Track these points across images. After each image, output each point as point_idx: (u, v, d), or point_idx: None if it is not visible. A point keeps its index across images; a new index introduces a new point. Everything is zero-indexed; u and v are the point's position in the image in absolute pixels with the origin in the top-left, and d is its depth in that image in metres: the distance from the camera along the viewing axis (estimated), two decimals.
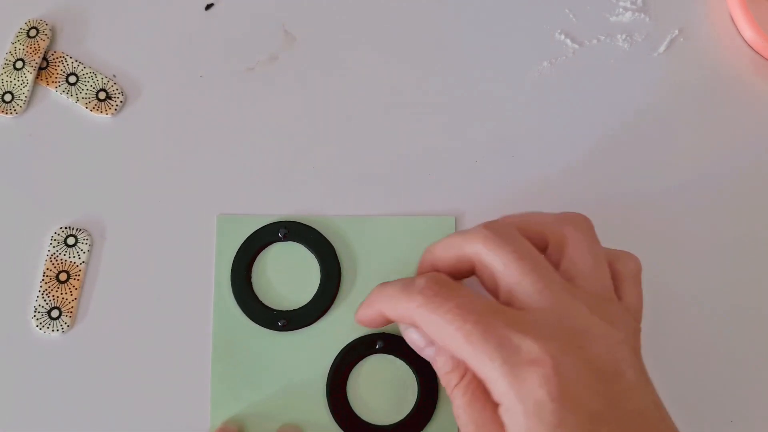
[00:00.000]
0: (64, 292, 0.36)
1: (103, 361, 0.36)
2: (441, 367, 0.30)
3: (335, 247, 0.37)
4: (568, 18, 0.41)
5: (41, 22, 0.40)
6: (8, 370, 0.36)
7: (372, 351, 0.36)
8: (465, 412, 0.29)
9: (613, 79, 0.40)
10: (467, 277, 0.31)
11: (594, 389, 0.26)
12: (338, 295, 0.37)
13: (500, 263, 0.29)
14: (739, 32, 0.41)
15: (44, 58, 0.39)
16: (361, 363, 0.36)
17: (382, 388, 0.36)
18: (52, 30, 0.40)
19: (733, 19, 0.41)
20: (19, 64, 0.39)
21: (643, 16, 0.41)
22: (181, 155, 0.38)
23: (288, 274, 0.37)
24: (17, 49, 0.39)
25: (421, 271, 0.32)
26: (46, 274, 0.36)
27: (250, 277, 0.37)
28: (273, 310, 0.36)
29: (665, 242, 0.38)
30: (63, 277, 0.36)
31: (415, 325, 0.30)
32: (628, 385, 0.27)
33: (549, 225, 0.31)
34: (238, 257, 0.37)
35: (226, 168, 0.38)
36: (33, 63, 0.39)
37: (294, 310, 0.36)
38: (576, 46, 0.41)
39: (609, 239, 0.32)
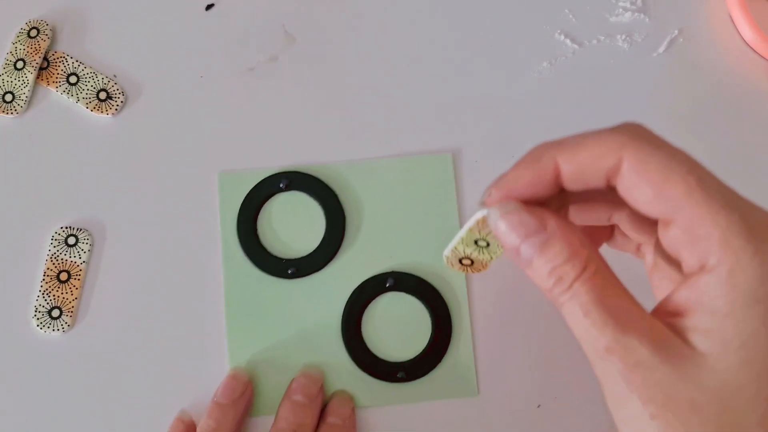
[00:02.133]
0: (64, 291, 0.36)
1: (103, 361, 0.36)
2: (552, 258, 0.24)
3: (336, 192, 0.38)
4: (567, 18, 0.41)
5: (42, 22, 0.40)
6: (9, 369, 0.36)
7: (383, 290, 0.37)
8: (602, 306, 0.23)
9: (613, 79, 0.40)
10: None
11: None
12: (344, 238, 0.37)
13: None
14: (739, 32, 0.41)
15: (45, 59, 0.39)
16: (373, 302, 0.37)
17: (396, 326, 0.36)
18: (53, 30, 0.40)
19: (732, 20, 0.41)
20: (19, 64, 0.39)
21: (642, 16, 0.41)
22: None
23: (293, 223, 0.38)
24: (18, 49, 0.39)
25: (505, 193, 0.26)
26: (46, 274, 0.36)
27: (256, 230, 0.37)
28: (282, 259, 0.37)
29: None
30: (64, 276, 0.36)
31: (586, 185, 0.25)
32: None
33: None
34: (242, 211, 0.37)
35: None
36: (34, 63, 0.39)
37: (302, 257, 0.37)
38: (576, 46, 0.41)
39: None
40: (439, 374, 0.36)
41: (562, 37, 0.41)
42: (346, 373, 0.36)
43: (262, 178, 0.38)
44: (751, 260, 0.22)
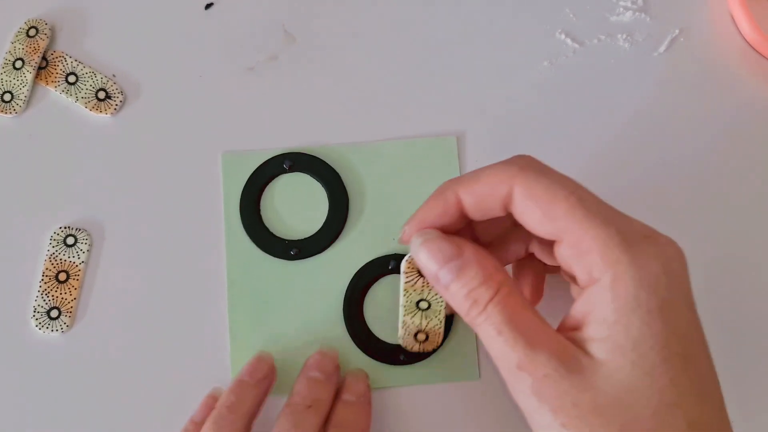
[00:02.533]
0: (63, 292, 0.36)
1: (103, 361, 0.36)
2: (467, 283, 0.27)
3: (340, 174, 0.38)
4: (568, 18, 0.41)
5: (41, 21, 0.39)
6: (8, 370, 0.36)
7: (385, 272, 0.37)
8: (511, 326, 0.26)
9: (614, 78, 0.40)
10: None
11: (688, 280, 0.26)
12: (347, 220, 0.37)
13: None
14: (740, 32, 0.41)
15: (44, 58, 0.39)
16: (375, 284, 0.37)
17: (397, 308, 0.36)
18: (52, 29, 0.40)
19: (733, 19, 0.41)
20: (18, 64, 0.39)
21: (643, 15, 0.41)
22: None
23: (296, 204, 0.38)
24: (17, 48, 0.39)
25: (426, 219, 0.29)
26: (45, 274, 0.36)
27: (259, 210, 0.37)
28: (284, 240, 0.37)
29: None
30: (62, 277, 0.36)
31: (486, 214, 0.28)
32: (691, 295, 0.27)
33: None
34: (245, 192, 0.37)
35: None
36: (32, 62, 0.39)
37: (305, 238, 0.37)
38: (576, 45, 0.40)
39: None
40: (441, 357, 0.36)
41: (563, 36, 0.41)
42: (347, 355, 0.36)
43: (266, 159, 0.38)
44: (628, 269, 0.24)
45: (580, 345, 0.25)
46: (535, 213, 0.26)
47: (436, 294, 0.33)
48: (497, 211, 0.28)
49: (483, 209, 0.28)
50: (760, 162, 0.39)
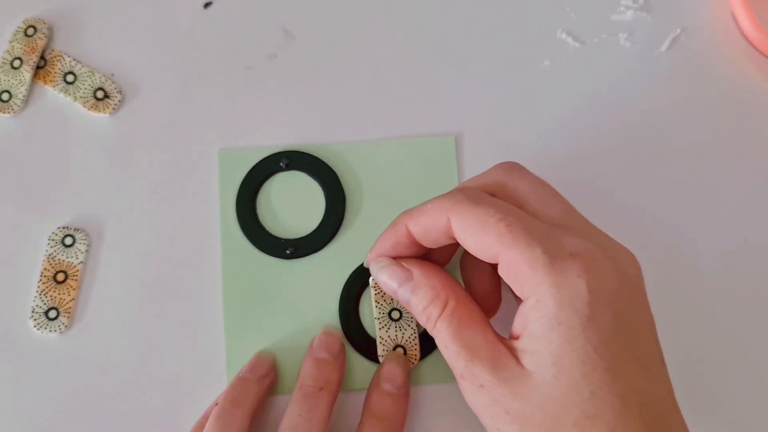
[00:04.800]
0: (61, 292, 0.36)
1: (101, 362, 0.36)
2: (420, 301, 0.30)
3: (337, 173, 0.37)
4: (569, 16, 0.41)
5: (39, 20, 0.39)
6: (6, 370, 0.35)
7: None
8: (454, 340, 0.29)
9: (615, 77, 0.40)
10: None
11: (622, 295, 0.27)
12: (344, 219, 0.37)
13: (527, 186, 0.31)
14: (741, 30, 0.41)
15: (42, 57, 0.39)
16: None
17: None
18: (50, 29, 0.40)
19: (735, 17, 0.41)
20: (16, 63, 0.39)
21: (644, 14, 0.41)
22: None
23: (293, 203, 0.38)
24: (15, 47, 0.39)
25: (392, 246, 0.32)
26: (43, 275, 0.36)
27: (255, 209, 0.37)
28: (280, 239, 0.37)
29: (665, 240, 0.38)
30: (60, 277, 0.36)
31: (435, 242, 0.30)
32: (643, 302, 0.28)
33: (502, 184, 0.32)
34: (242, 190, 0.37)
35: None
36: (30, 62, 0.39)
37: (301, 237, 0.37)
38: (578, 44, 0.40)
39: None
40: (435, 359, 0.36)
41: (564, 35, 0.40)
42: None
43: (263, 156, 0.38)
44: (550, 289, 0.26)
45: (516, 355, 0.27)
46: (471, 241, 0.29)
47: None
48: (445, 240, 0.30)
49: (431, 239, 0.31)
50: (761, 160, 0.39)
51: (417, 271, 0.31)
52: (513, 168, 0.32)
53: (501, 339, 0.29)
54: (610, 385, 0.26)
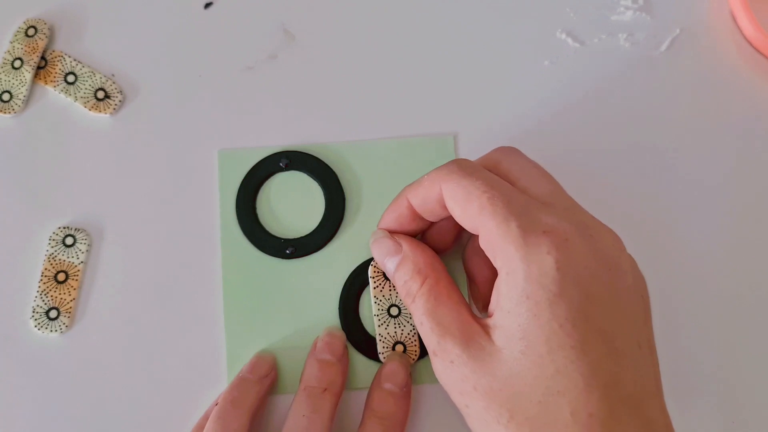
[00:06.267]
0: (62, 292, 0.36)
1: (102, 362, 0.36)
2: (402, 275, 0.31)
3: (337, 173, 0.38)
4: (569, 17, 0.41)
5: (40, 21, 0.39)
6: (7, 370, 0.35)
7: None
8: (430, 316, 0.29)
9: (615, 78, 0.40)
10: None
11: (596, 275, 0.27)
12: (343, 219, 0.37)
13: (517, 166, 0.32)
14: (741, 31, 0.41)
15: (42, 57, 0.39)
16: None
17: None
18: (51, 29, 0.40)
19: (734, 18, 0.41)
20: (17, 63, 0.39)
21: (644, 15, 0.41)
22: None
23: (292, 203, 0.38)
24: (15, 48, 0.39)
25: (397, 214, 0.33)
26: (44, 275, 0.36)
27: (255, 209, 0.37)
28: (280, 238, 0.37)
29: (666, 239, 0.38)
30: (61, 277, 0.36)
31: (432, 212, 0.31)
32: (624, 284, 0.28)
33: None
34: (241, 190, 0.37)
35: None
36: (31, 62, 0.39)
37: (301, 237, 0.37)
38: (577, 45, 0.40)
39: None
40: None
41: (563, 35, 0.40)
42: None
43: (263, 156, 0.38)
44: (520, 263, 0.27)
45: (488, 332, 0.28)
46: (457, 210, 0.30)
47: None
48: (440, 210, 0.31)
49: (428, 210, 0.32)
50: (761, 161, 0.39)
51: (405, 246, 0.32)
52: (510, 150, 0.33)
53: (476, 318, 0.29)
54: (575, 363, 0.26)
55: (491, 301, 0.29)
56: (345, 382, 0.34)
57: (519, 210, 0.28)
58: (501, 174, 0.31)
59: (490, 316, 0.29)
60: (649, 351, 0.28)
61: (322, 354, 0.34)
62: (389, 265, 0.32)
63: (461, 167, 0.30)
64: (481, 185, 0.29)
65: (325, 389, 0.32)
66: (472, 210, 0.29)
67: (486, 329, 0.28)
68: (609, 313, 0.27)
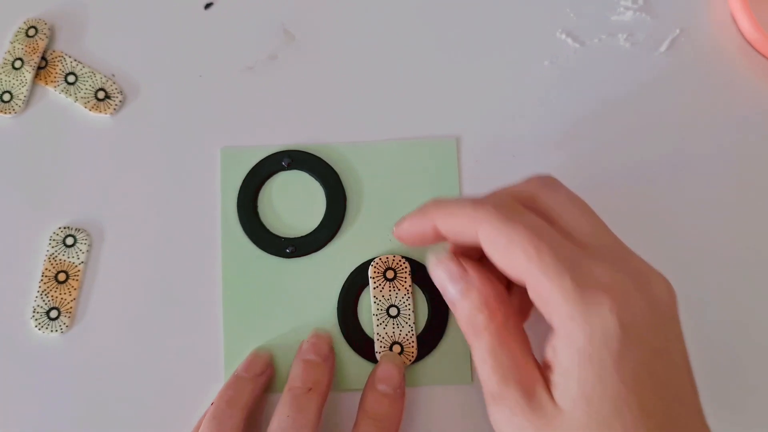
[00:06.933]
0: (62, 292, 0.36)
1: (102, 362, 0.36)
2: (469, 305, 0.29)
3: (339, 173, 0.38)
4: (569, 17, 0.41)
5: (40, 21, 0.39)
6: (7, 370, 0.36)
7: None
8: (494, 357, 0.28)
9: (615, 78, 0.40)
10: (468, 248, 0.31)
11: (656, 327, 0.26)
12: (344, 219, 0.37)
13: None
14: (741, 32, 0.41)
15: (43, 58, 0.39)
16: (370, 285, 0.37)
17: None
18: (51, 29, 0.40)
19: (734, 19, 0.41)
20: (17, 64, 0.39)
21: (644, 15, 0.41)
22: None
23: (294, 202, 0.38)
24: (16, 48, 0.39)
25: (420, 231, 0.31)
26: (44, 275, 0.36)
27: (256, 207, 0.37)
28: (281, 237, 0.37)
29: (666, 239, 0.38)
30: (62, 277, 0.36)
31: (465, 243, 0.29)
32: (677, 332, 0.28)
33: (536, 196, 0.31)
34: (243, 188, 0.37)
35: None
36: (32, 62, 0.39)
37: (301, 237, 0.37)
38: (577, 45, 0.40)
39: None
40: (434, 360, 0.36)
41: (563, 36, 0.40)
42: (340, 354, 0.36)
43: (265, 155, 0.38)
44: (580, 324, 0.26)
45: (548, 386, 0.27)
46: (497, 258, 0.28)
47: (403, 297, 0.35)
48: (472, 244, 0.29)
49: (458, 240, 0.30)
50: (761, 161, 0.39)
51: (473, 274, 0.30)
52: (547, 181, 0.31)
53: (538, 366, 0.28)
54: (643, 422, 0.25)
55: (546, 350, 0.27)
56: (331, 381, 0.34)
57: (569, 262, 0.26)
58: (540, 211, 0.29)
59: (546, 366, 0.27)
60: (696, 394, 0.28)
61: (307, 354, 0.34)
62: (451, 290, 0.30)
63: (499, 209, 0.28)
64: (523, 232, 0.27)
65: (310, 389, 0.32)
66: (516, 260, 0.27)
67: (547, 382, 0.27)
68: (669, 366, 0.27)
